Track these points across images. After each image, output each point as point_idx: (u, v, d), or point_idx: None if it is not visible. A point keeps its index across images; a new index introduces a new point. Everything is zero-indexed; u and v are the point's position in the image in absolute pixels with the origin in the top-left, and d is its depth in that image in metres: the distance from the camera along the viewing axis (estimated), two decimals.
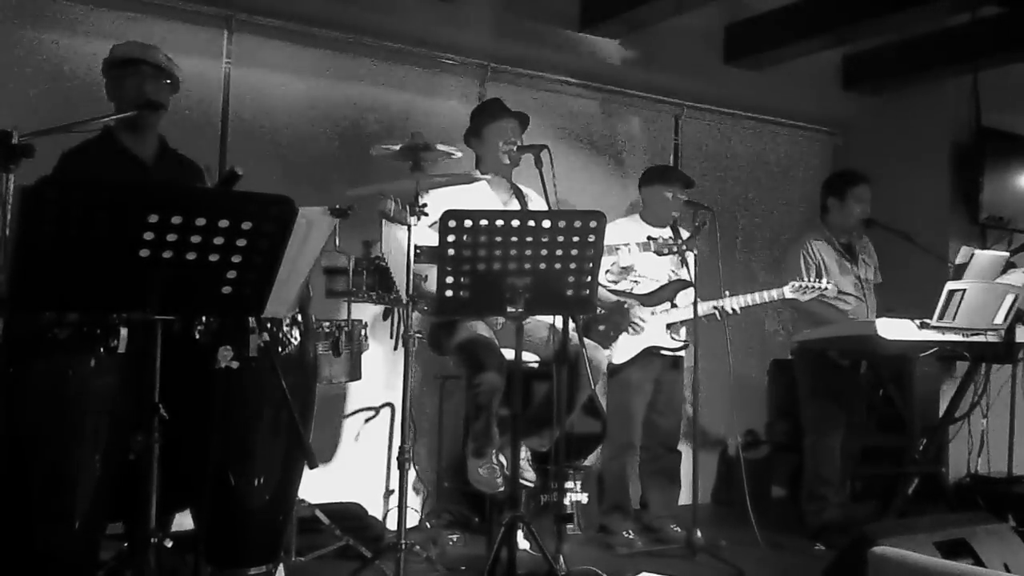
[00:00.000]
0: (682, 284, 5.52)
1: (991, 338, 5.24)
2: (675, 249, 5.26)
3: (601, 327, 5.32)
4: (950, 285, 5.04)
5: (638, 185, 5.80)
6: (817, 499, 5.66)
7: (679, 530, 5.44)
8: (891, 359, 5.50)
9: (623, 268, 5.16)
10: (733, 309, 5.36)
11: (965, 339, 5.17)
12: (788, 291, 5.42)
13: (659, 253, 5.21)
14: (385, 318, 4.84)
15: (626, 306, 5.32)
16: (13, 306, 2.84)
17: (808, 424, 5.82)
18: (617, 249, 5.03)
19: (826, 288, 5.43)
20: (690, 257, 5.47)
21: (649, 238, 5.21)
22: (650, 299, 5.44)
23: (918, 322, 5.05)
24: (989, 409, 6.03)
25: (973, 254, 5.22)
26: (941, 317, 5.02)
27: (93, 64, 4.22)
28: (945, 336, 5.11)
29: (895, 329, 5.04)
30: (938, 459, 6.34)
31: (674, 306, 5.47)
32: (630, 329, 5.35)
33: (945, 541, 3.38)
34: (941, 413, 5.88)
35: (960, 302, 5.02)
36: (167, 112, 4.16)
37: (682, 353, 5.60)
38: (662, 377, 5.57)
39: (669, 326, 5.46)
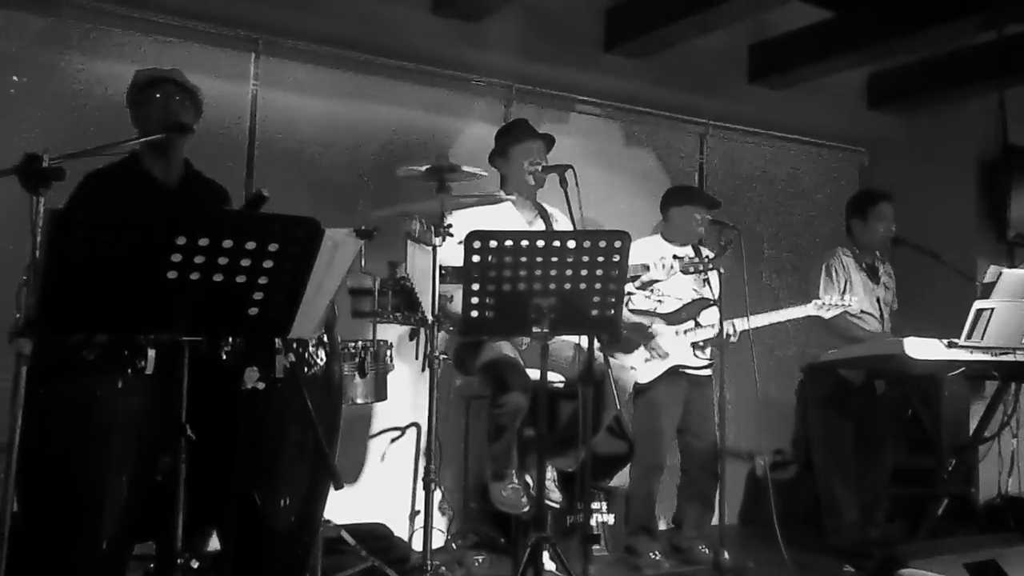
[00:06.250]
0: (705, 303, 5.50)
1: (1020, 357, 5.19)
2: (701, 268, 5.25)
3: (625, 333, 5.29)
4: (978, 304, 5.00)
5: (660, 204, 5.77)
6: (833, 516, 5.66)
7: (707, 551, 5.40)
8: (919, 379, 5.46)
9: (646, 283, 5.14)
10: (755, 328, 5.35)
11: (994, 358, 5.12)
12: (812, 308, 5.44)
13: (685, 272, 5.20)
14: (411, 339, 4.84)
15: (650, 329, 5.32)
16: (42, 328, 2.85)
17: (816, 441, 5.80)
18: (647, 268, 5.02)
19: (850, 304, 5.45)
20: (713, 276, 5.48)
21: (675, 257, 5.20)
22: (673, 318, 5.43)
23: (946, 341, 5.01)
24: (1019, 429, 5.96)
25: (1001, 273, 5.18)
26: (969, 336, 4.99)
27: (121, 88, 4.24)
28: (973, 355, 5.06)
29: (923, 348, 5.01)
30: (968, 480, 6.30)
31: (698, 325, 5.45)
32: (652, 354, 5.34)
33: (975, 563, 3.35)
34: (970, 433, 5.83)
35: (988, 321, 4.99)
36: (194, 135, 4.17)
37: (708, 372, 5.58)
38: (691, 397, 5.54)
39: (693, 345, 5.45)
